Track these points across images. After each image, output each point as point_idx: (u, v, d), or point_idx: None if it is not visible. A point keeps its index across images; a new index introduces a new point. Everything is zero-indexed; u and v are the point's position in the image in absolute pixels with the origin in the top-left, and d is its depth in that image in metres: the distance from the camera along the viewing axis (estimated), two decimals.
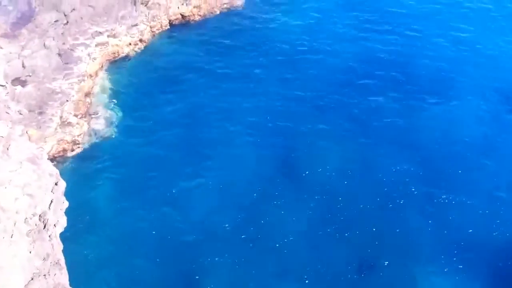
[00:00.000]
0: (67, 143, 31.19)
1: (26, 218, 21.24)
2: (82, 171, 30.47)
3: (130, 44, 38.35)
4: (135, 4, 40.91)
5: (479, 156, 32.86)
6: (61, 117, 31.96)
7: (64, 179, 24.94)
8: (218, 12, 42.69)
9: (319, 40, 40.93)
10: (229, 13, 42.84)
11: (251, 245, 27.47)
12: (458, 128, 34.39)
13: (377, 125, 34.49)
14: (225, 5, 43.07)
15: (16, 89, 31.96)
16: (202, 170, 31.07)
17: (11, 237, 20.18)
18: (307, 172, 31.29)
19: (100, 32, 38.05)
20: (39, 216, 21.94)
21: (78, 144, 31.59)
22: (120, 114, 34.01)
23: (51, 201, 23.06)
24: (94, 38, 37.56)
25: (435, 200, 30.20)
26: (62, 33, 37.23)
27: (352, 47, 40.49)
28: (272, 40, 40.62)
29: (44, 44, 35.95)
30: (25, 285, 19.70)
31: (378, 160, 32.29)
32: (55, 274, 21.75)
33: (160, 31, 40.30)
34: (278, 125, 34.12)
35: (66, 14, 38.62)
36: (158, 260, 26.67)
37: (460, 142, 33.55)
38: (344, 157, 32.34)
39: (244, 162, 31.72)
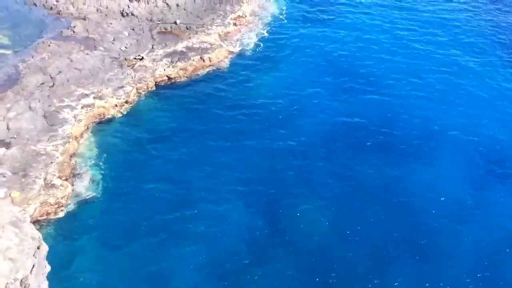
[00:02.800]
0: (51, 205, 30.74)
1: (7, 283, 20.69)
2: (65, 234, 29.85)
3: (116, 105, 38.58)
4: (121, 66, 41.52)
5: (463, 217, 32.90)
6: (45, 179, 31.66)
7: (46, 242, 24.50)
8: (203, 73, 43.31)
9: (302, 102, 41.35)
10: (214, 75, 43.46)
11: None
12: (444, 190, 34.28)
13: (363, 187, 34.41)
14: (210, 67, 43.78)
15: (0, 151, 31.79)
16: (185, 234, 30.55)
17: None
18: (291, 237, 30.93)
19: (86, 94, 38.33)
20: (21, 281, 21.39)
21: (62, 206, 31.14)
22: (104, 175, 33.73)
23: (33, 266, 22.58)
24: (80, 100, 37.78)
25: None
26: (48, 96, 37.48)
27: (334, 108, 40.87)
28: (255, 101, 41.04)
29: (30, 106, 36.10)
30: None
31: (366, 222, 32.10)
32: None
33: (146, 92, 40.67)
34: (265, 189, 34.04)
35: (52, 76, 39.08)
36: None
37: (448, 204, 33.45)
38: (331, 220, 32.06)
39: (228, 225, 31.31)
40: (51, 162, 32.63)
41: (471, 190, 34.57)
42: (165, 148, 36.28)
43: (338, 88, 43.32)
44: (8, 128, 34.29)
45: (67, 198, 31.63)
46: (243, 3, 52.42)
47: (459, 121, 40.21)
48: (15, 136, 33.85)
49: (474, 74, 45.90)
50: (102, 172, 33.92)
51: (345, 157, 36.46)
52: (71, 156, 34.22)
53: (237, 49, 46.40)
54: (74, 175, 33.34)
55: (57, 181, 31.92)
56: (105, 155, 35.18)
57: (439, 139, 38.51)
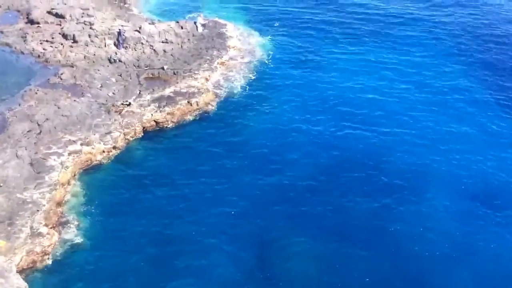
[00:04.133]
0: (37, 254, 30.20)
1: None
2: (52, 284, 29.17)
3: (103, 151, 38.49)
4: (109, 112, 41.62)
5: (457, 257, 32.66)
6: (31, 228, 31.22)
7: None
8: (191, 118, 43.48)
9: (289, 140, 41.62)
10: (201, 118, 43.65)
11: None
12: (433, 229, 34.09)
13: (351, 223, 34.28)
14: (197, 111, 44.01)
15: None
16: (174, 271, 30.19)
17: None
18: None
19: (74, 141, 38.26)
20: None
21: (48, 255, 30.59)
22: (92, 222, 33.29)
23: None
24: (67, 146, 37.68)
25: None
26: (35, 143, 37.35)
27: (322, 145, 41.15)
28: (243, 141, 41.19)
29: (17, 154, 35.92)
30: None
31: (354, 258, 31.83)
32: None
33: (134, 137, 40.65)
34: (255, 224, 33.93)
35: (39, 124, 39.04)
36: None
37: (437, 244, 33.26)
38: (320, 262, 31.79)
39: (218, 260, 31.20)
40: (38, 210, 32.26)
41: (462, 227, 34.40)
42: (153, 194, 36.02)
43: (326, 126, 43.69)
44: None
45: (53, 247, 31.11)
46: (229, 48, 53.22)
47: (448, 157, 40.44)
48: (1, 185, 33.53)
49: (463, 112, 46.38)
50: (90, 218, 33.49)
51: (333, 193, 36.52)
52: (58, 204, 33.86)
53: (224, 93, 46.82)
54: (61, 223, 32.88)
55: (44, 229, 31.47)
56: (92, 201, 34.83)
57: (428, 175, 38.58)
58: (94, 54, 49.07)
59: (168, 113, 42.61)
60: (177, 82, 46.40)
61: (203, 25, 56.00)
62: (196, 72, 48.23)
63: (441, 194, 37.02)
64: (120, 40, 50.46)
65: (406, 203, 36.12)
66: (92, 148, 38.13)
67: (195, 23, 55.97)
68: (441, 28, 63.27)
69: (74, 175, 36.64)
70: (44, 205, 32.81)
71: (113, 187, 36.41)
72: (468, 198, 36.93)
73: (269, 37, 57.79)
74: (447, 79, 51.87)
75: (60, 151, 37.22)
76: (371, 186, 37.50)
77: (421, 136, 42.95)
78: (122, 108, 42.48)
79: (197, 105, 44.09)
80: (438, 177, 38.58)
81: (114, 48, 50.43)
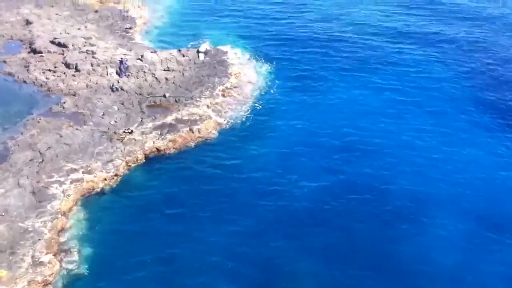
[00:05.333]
0: (38, 283, 29.94)
1: None
2: None
3: (105, 179, 38.44)
4: (110, 140, 41.71)
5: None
6: (32, 257, 31.04)
7: None
8: (192, 145, 43.50)
9: (292, 172, 41.15)
10: (203, 146, 43.64)
11: None
12: (437, 257, 33.79)
13: (355, 255, 33.91)
14: (199, 139, 44.04)
15: None
16: None
17: None
18: None
19: (75, 169, 38.27)
20: None
21: (49, 284, 30.33)
22: (93, 251, 33.07)
23: None
24: (69, 175, 37.69)
25: None
26: (37, 172, 37.37)
27: (324, 180, 40.57)
28: (245, 172, 40.88)
29: (18, 183, 35.91)
30: None
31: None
32: None
33: (135, 165, 40.64)
34: (257, 261, 33.48)
35: (41, 152, 39.11)
36: None
37: (443, 266, 33.01)
38: (324, 284, 31.53)
39: None
40: (39, 239, 32.11)
41: (468, 259, 34.03)
42: (156, 221, 35.84)
43: (329, 149, 43.66)
44: None
45: (55, 276, 30.88)
46: (231, 75, 53.55)
47: (455, 187, 39.99)
48: (3, 214, 33.47)
49: (470, 142, 46.02)
50: (91, 247, 33.28)
51: (336, 226, 36.12)
52: (59, 232, 33.73)
53: (225, 120, 46.95)
54: (62, 251, 32.70)
55: (45, 258, 31.27)
56: (94, 229, 34.68)
57: (433, 206, 38.13)
58: (97, 83, 49.41)
59: (170, 141, 42.68)
60: (179, 110, 46.59)
61: (205, 53, 56.44)
62: (197, 99, 48.46)
63: (447, 216, 36.84)
64: (122, 68, 50.85)
65: (411, 224, 35.99)
66: (94, 176, 38.11)
67: (197, 51, 56.44)
68: (446, 51, 63.82)
69: (76, 203, 36.54)
70: (45, 234, 32.67)
71: (114, 215, 36.27)
72: (475, 220, 36.70)
73: (271, 63, 58.17)
74: (453, 101, 52.09)
75: (62, 179, 37.22)
76: (375, 208, 37.39)
77: (426, 157, 42.92)
78: (124, 136, 42.58)
79: (199, 132, 44.18)
80: (444, 199, 38.43)
81: (116, 76, 50.79)
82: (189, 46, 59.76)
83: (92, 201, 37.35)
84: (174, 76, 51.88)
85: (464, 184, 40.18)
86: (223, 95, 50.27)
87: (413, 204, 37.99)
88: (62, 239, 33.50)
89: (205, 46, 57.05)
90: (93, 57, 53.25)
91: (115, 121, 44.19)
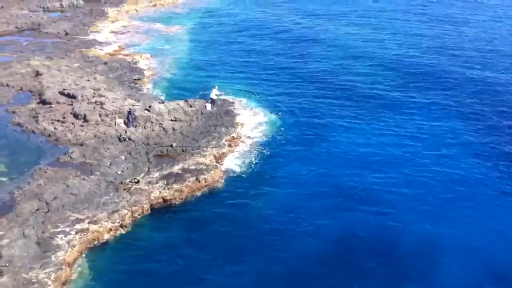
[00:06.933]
0: None
1: None
2: None
3: (110, 229, 38.17)
4: (117, 190, 41.66)
5: None
6: None
7: None
8: (199, 194, 43.34)
9: (299, 223, 40.50)
10: (209, 196, 43.43)
11: None
12: None
13: None
14: (206, 188, 43.93)
15: None
16: None
17: None
18: None
19: (81, 219, 38.09)
20: None
21: None
22: None
23: None
24: (74, 225, 37.49)
25: None
26: (42, 222, 37.22)
27: (332, 229, 39.98)
28: (252, 223, 40.40)
29: (24, 233, 35.72)
30: None
31: None
32: None
33: (141, 215, 40.40)
34: None
35: (47, 202, 39.06)
36: None
37: None
38: None
39: None
40: None
41: None
42: (161, 273, 35.33)
43: (338, 202, 43.09)
44: (1, 256, 33.64)
45: None
46: (237, 125, 53.92)
47: (464, 237, 39.21)
48: (7, 264, 33.12)
49: (479, 187, 45.65)
50: None
51: (341, 279, 35.31)
52: (63, 283, 33.24)
53: (232, 169, 46.93)
54: None
55: None
56: (98, 280, 34.19)
57: (441, 256, 37.35)
58: (104, 133, 49.80)
59: (176, 190, 42.56)
60: (186, 159, 46.68)
61: (213, 102, 56.92)
62: (204, 149, 48.61)
63: (456, 275, 36.10)
64: (130, 119, 51.30)
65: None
66: (100, 227, 37.86)
67: (206, 101, 57.00)
68: (455, 95, 64.54)
69: (81, 253, 36.19)
70: (49, 285, 32.22)
71: (119, 266, 35.79)
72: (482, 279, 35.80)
73: (279, 113, 58.44)
74: (460, 144, 52.21)
75: (67, 229, 36.99)
76: (381, 267, 36.51)
77: (436, 214, 42.06)
78: (130, 185, 42.56)
79: (205, 182, 44.08)
80: (453, 258, 37.42)
81: (124, 126, 51.21)
82: (197, 96, 60.39)
83: (97, 251, 36.98)
84: (181, 126, 52.26)
85: (477, 234, 39.43)
86: (230, 145, 50.45)
87: (422, 254, 37.32)
88: None
89: (215, 91, 57.36)
90: (101, 107, 53.85)
91: (122, 171, 44.27)
